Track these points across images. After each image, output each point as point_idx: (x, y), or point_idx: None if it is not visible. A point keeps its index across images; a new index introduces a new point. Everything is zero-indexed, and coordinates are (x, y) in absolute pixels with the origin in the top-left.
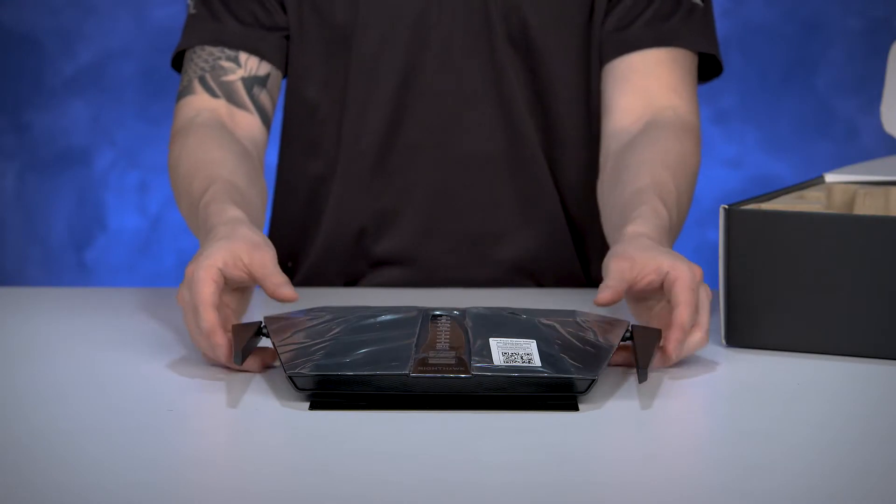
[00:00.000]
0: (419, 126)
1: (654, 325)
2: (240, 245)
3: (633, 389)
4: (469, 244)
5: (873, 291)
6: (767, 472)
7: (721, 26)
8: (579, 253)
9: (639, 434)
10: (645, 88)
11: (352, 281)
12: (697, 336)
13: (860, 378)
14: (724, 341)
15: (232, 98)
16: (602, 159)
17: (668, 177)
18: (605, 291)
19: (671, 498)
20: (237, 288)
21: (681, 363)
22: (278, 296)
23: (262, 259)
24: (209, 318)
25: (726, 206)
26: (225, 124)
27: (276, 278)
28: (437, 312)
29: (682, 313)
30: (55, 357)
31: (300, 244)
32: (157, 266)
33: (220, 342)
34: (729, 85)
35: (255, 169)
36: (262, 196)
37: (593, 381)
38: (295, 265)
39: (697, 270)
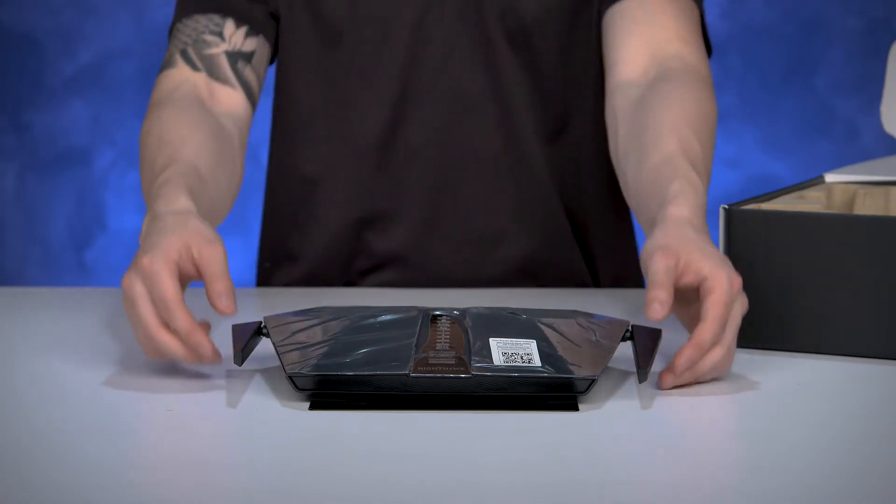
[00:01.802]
0: (419, 126)
1: (692, 327)
2: (192, 238)
3: (633, 389)
4: (470, 244)
5: (873, 291)
6: (767, 472)
7: (721, 26)
8: (583, 251)
9: (639, 434)
10: (649, 38)
11: (352, 281)
12: (717, 354)
13: (860, 378)
14: None
15: (213, 72)
16: (610, 118)
17: (693, 137)
18: (655, 306)
19: (671, 498)
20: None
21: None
22: (216, 305)
23: (213, 255)
24: (185, 317)
25: (726, 206)
26: (202, 100)
27: (220, 285)
28: (437, 312)
29: (704, 330)
30: (56, 357)
31: (295, 243)
32: None
33: (202, 339)
34: (729, 84)
35: (229, 148)
36: (233, 176)
37: (593, 381)
38: (293, 264)
39: (736, 281)
